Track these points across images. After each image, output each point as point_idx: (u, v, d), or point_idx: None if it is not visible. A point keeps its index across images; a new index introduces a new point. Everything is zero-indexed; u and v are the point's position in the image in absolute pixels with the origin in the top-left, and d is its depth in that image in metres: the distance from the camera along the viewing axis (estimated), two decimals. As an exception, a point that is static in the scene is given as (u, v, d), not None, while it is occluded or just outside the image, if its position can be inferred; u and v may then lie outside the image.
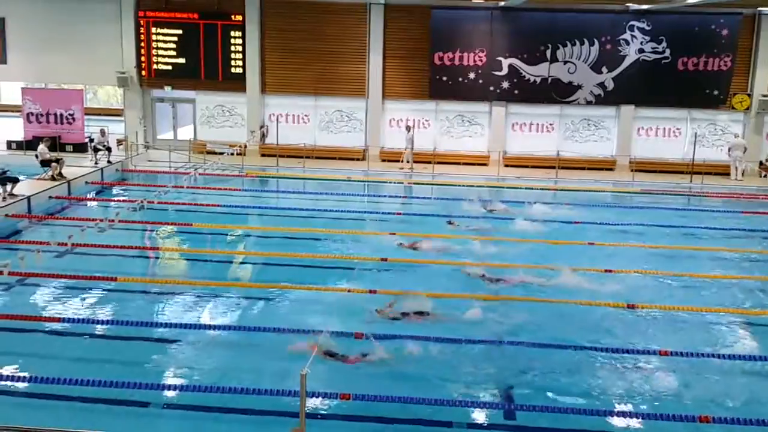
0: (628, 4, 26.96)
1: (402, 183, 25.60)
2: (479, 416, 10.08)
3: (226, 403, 9.79)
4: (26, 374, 10.39)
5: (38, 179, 22.22)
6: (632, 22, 27.90)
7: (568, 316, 13.33)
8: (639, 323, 13.35)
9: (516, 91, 28.64)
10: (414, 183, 25.46)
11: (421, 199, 24.65)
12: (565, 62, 28.32)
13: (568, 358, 11.56)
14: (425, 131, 29.17)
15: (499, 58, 28.40)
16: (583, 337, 12.34)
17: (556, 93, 28.57)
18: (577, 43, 28.18)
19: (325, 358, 10.79)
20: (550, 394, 10.52)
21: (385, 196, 24.86)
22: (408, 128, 28.13)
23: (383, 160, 28.79)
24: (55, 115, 27.70)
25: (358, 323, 12.45)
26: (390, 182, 25.76)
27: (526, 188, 24.98)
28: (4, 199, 19.53)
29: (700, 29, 27.79)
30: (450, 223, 19.87)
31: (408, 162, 27.62)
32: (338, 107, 29.64)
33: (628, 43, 28.07)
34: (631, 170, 28.00)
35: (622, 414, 10.13)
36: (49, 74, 31.05)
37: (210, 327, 12.44)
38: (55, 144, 25.33)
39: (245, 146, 28.12)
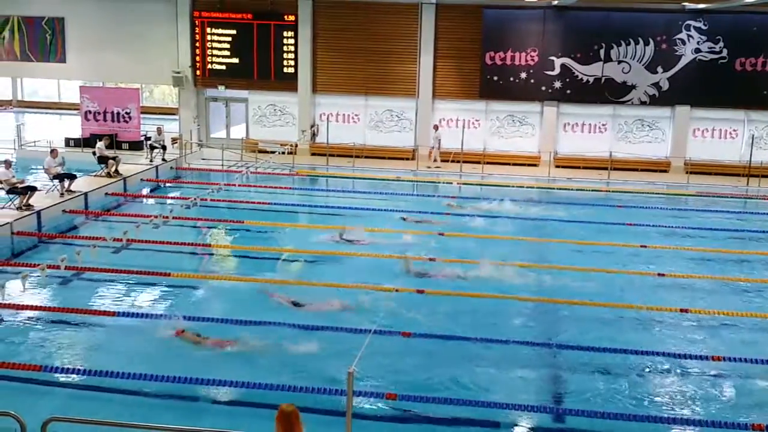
0: (684, 4, 26.46)
1: (451, 183, 25.47)
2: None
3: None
4: (81, 367, 10.67)
5: (95, 176, 22.78)
6: (688, 22, 27.38)
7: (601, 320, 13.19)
8: (691, 328, 13.15)
9: (568, 91, 28.34)
10: (463, 183, 25.35)
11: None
12: (619, 62, 27.92)
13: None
14: (475, 131, 29.04)
15: (552, 58, 28.15)
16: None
17: (610, 93, 28.18)
18: (632, 42, 27.75)
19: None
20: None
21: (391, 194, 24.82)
22: (435, 127, 28.30)
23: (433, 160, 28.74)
24: (112, 113, 28.33)
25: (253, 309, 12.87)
26: (438, 182, 25.67)
27: (577, 189, 24.72)
28: (62, 195, 20.08)
29: (758, 29, 27.13)
30: (404, 219, 20.04)
31: (435, 160, 27.66)
32: (388, 107, 29.72)
33: (684, 43, 27.56)
34: (686, 172, 27.48)
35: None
36: (107, 73, 31.83)
37: (258, 323, 12.58)
38: (112, 142, 25.93)
39: (296, 145, 28.37)
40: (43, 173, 20.90)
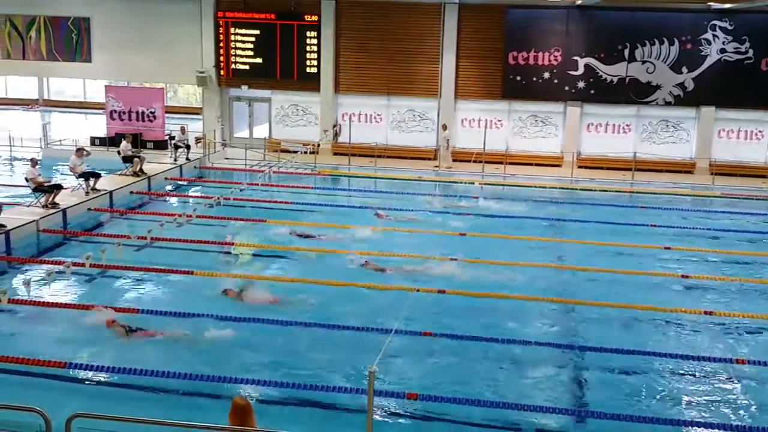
0: (709, 3, 26.21)
1: (473, 183, 25.41)
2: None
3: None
4: (106, 365, 10.77)
5: (120, 175, 23.00)
6: (714, 22, 27.11)
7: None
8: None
9: (592, 91, 28.18)
10: (485, 183, 25.28)
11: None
12: (644, 62, 27.72)
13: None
14: (497, 131, 28.97)
15: (575, 58, 28.00)
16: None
17: (634, 93, 27.99)
18: (656, 42, 27.53)
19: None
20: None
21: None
22: (444, 127, 28.26)
23: (454, 160, 28.72)
24: (137, 112, 28.60)
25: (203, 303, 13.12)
26: (461, 182, 25.61)
27: (600, 190, 24.58)
28: (87, 193, 20.29)
29: (785, 29, 26.86)
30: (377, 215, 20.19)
31: (446, 160, 27.65)
32: (410, 107, 29.72)
33: (709, 43, 27.29)
34: (711, 173, 27.21)
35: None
36: (132, 73, 32.11)
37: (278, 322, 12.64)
38: (137, 141, 26.15)
39: (318, 145, 28.46)
40: (68, 171, 21.13)
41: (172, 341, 11.66)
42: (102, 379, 10.46)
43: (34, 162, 19.12)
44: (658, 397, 10.52)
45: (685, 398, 10.54)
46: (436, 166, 27.58)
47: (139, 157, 23.36)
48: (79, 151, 20.87)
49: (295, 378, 10.38)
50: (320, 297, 13.75)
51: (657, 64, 27.68)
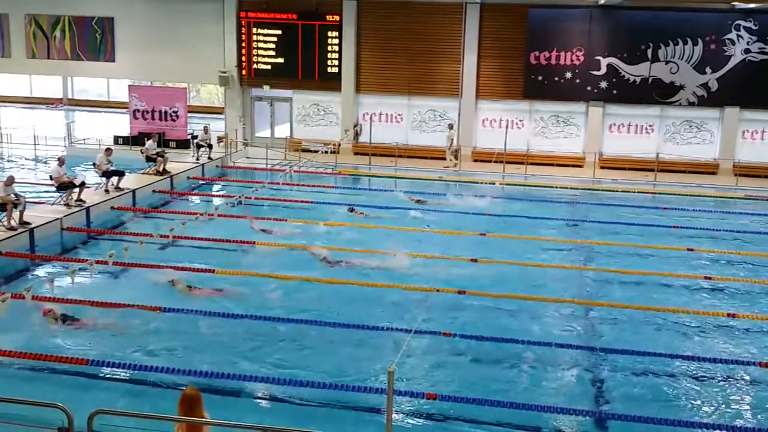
0: (734, 3, 25.94)
1: (494, 183, 25.31)
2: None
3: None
4: (130, 362, 10.88)
5: (143, 173, 23.20)
6: (738, 22, 26.82)
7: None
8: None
9: (614, 91, 27.99)
10: (506, 184, 25.19)
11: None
12: (667, 62, 27.48)
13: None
14: (518, 131, 28.88)
15: (598, 58, 27.82)
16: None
17: (657, 93, 27.76)
18: (680, 42, 27.29)
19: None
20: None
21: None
22: (450, 126, 28.22)
23: (475, 160, 28.66)
24: (160, 112, 28.81)
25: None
26: (480, 182, 25.51)
27: (622, 191, 24.42)
28: (107, 191, 20.47)
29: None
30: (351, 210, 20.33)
31: (451, 160, 27.58)
32: (431, 107, 29.68)
33: (733, 43, 27.01)
34: (735, 174, 26.94)
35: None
36: (155, 73, 32.38)
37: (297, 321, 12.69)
38: (160, 140, 26.33)
39: (339, 145, 28.51)
40: (92, 168, 21.30)
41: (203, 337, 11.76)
42: (123, 376, 10.57)
43: (61, 161, 19.34)
44: (677, 400, 10.44)
45: (707, 402, 10.45)
46: (446, 167, 27.50)
47: (163, 156, 23.52)
48: (108, 151, 21.12)
49: (323, 377, 10.47)
50: (335, 298, 13.80)
51: (680, 64, 27.44)
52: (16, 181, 17.44)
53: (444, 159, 28.02)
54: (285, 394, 10.17)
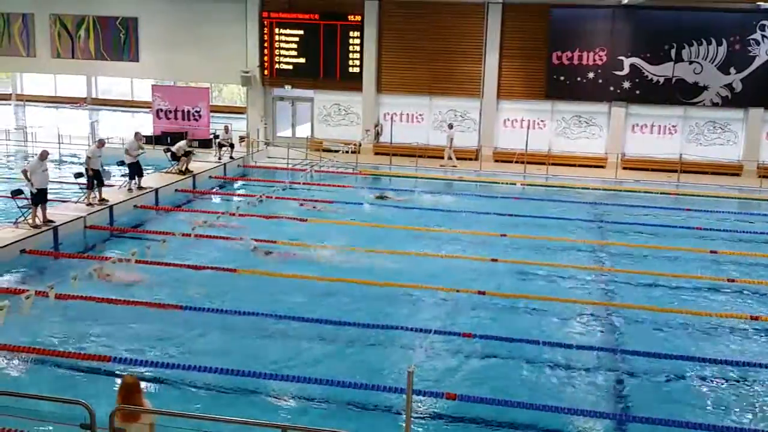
0: (758, 3, 25.66)
1: (514, 183, 25.21)
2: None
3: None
4: (149, 359, 10.97)
5: (165, 172, 23.37)
6: (762, 22, 26.52)
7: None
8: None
9: (637, 92, 27.79)
10: (527, 184, 25.08)
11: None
12: (691, 62, 27.23)
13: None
14: (540, 132, 28.76)
15: (621, 58, 27.63)
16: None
17: (681, 94, 27.52)
18: (704, 42, 27.03)
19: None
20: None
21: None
22: (450, 126, 28.13)
23: (496, 161, 28.57)
24: (183, 111, 29.02)
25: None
26: (501, 183, 25.41)
27: (645, 192, 24.24)
28: (129, 190, 20.63)
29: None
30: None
31: (450, 159, 27.47)
32: (452, 107, 29.62)
33: (758, 44, 26.71)
34: (759, 176, 26.65)
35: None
36: (178, 72, 32.60)
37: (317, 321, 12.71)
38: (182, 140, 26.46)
39: (360, 145, 28.54)
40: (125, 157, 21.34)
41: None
42: (147, 374, 10.66)
43: (138, 136, 21.07)
44: (698, 402, 10.36)
45: (727, 404, 10.37)
46: (442, 165, 27.40)
47: (189, 155, 23.64)
48: (137, 134, 21.28)
49: (341, 375, 10.51)
50: (353, 297, 13.85)
51: (704, 64, 27.18)
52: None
53: (442, 158, 27.93)
54: (305, 393, 10.21)
